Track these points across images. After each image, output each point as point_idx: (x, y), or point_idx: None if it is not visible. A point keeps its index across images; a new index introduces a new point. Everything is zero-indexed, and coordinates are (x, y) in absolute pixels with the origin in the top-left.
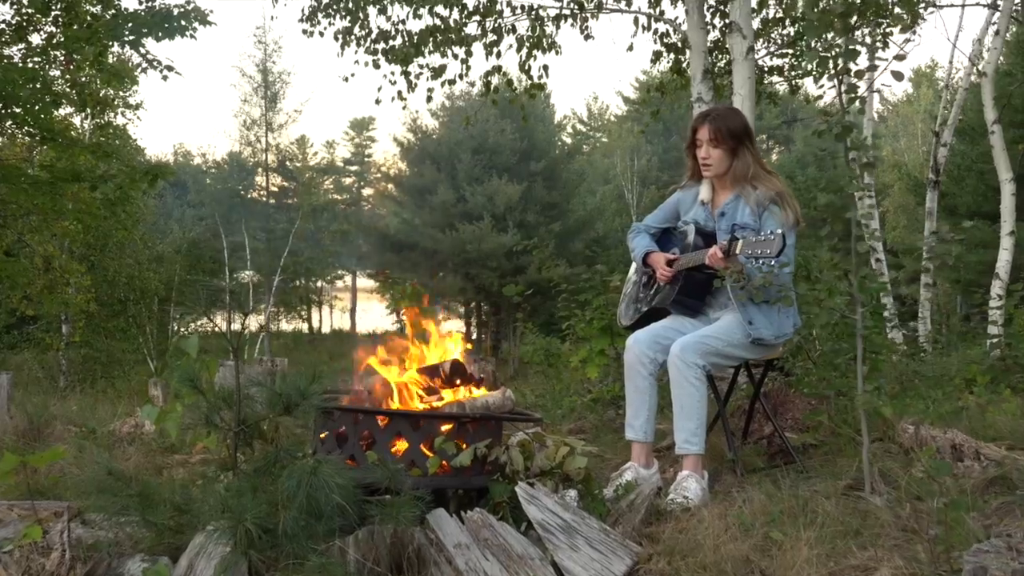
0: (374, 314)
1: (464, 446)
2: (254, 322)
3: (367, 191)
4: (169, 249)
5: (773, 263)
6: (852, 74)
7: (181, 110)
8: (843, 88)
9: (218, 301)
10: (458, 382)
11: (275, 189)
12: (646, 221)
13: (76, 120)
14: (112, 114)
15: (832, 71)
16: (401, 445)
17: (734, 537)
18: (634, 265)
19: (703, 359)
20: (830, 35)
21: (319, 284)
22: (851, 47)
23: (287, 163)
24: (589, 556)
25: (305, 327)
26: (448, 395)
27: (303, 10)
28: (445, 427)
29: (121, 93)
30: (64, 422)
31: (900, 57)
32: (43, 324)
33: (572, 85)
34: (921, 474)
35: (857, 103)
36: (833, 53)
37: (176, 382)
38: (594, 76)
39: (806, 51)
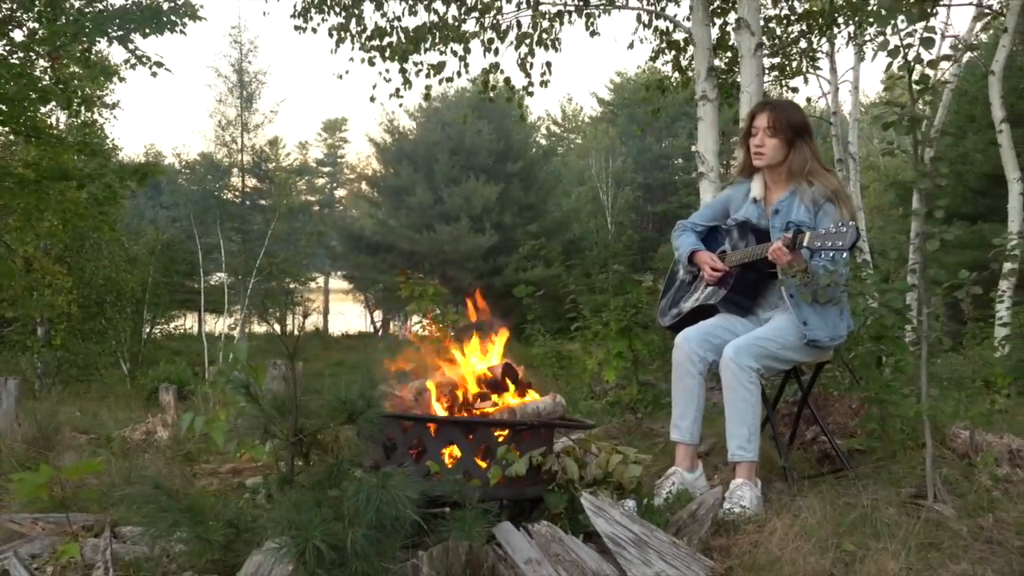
0: (348, 316)
1: (518, 455)
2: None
3: (340, 192)
4: (143, 251)
5: (842, 258)
6: (926, 63)
7: (151, 110)
8: (914, 78)
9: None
10: (509, 387)
11: (249, 190)
12: (692, 219)
13: (54, 118)
14: (89, 114)
15: (904, 59)
16: (453, 454)
17: (811, 551)
18: (676, 263)
19: (757, 362)
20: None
21: (292, 286)
22: (927, 35)
23: (262, 164)
24: (664, 571)
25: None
26: (499, 401)
27: (295, 6)
28: (501, 435)
29: (99, 92)
30: (70, 428)
31: (974, 48)
32: (18, 326)
33: (557, 84)
34: (990, 482)
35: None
36: (905, 41)
37: (227, 389)
38: (577, 76)
39: (875, 39)
